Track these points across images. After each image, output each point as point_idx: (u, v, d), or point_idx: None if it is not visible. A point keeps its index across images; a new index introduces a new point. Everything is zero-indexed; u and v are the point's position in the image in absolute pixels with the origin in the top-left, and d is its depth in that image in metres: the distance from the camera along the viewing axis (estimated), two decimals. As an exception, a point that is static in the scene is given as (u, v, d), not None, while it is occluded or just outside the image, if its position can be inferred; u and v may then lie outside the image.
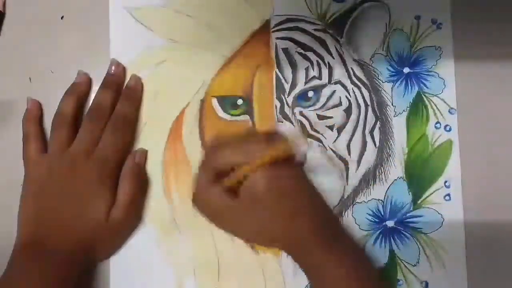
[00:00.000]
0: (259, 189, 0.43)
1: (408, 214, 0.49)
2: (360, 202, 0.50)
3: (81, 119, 0.50)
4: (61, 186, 0.47)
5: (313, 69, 0.51)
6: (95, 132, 0.48)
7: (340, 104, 0.50)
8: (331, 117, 0.50)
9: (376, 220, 0.49)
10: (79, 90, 0.50)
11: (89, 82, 0.51)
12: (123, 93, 0.50)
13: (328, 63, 0.51)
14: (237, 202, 0.44)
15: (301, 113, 0.50)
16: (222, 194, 0.44)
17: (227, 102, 0.51)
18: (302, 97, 0.51)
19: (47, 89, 0.51)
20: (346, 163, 0.50)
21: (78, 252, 0.46)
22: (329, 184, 0.50)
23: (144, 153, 0.50)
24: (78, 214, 0.46)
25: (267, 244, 0.48)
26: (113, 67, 0.50)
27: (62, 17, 0.52)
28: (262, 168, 0.43)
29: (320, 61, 0.51)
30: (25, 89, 0.51)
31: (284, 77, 0.51)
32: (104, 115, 0.49)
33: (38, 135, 0.49)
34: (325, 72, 0.51)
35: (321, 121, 0.50)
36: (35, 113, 0.50)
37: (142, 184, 0.50)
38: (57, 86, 0.50)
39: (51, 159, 0.48)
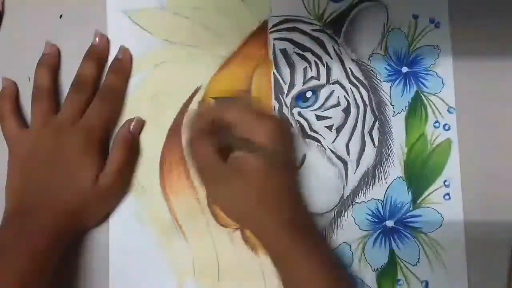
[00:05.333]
0: (247, 167, 0.44)
1: (407, 214, 0.49)
2: (360, 202, 0.49)
3: (58, 90, 0.50)
4: (47, 157, 0.47)
5: (311, 70, 0.51)
6: (79, 102, 0.48)
7: (338, 104, 0.50)
8: (329, 117, 0.50)
9: (376, 220, 0.49)
10: (51, 61, 0.50)
11: (58, 52, 0.51)
12: (111, 65, 0.51)
13: (326, 63, 0.51)
14: (223, 167, 0.45)
15: (299, 114, 0.50)
16: (212, 153, 0.45)
17: (225, 103, 0.51)
18: (301, 97, 0.50)
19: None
20: (345, 163, 0.50)
21: (66, 222, 0.46)
22: (328, 185, 0.50)
23: (141, 123, 0.50)
24: (64, 183, 0.46)
25: (235, 219, 0.48)
26: (96, 38, 0.51)
27: (61, 16, 0.52)
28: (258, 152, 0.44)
29: (318, 61, 0.51)
30: (24, 88, 0.51)
31: (282, 78, 0.51)
32: (88, 85, 0.49)
33: (16, 111, 0.49)
34: (323, 72, 0.51)
35: (319, 121, 0.50)
36: (10, 91, 0.50)
37: (133, 152, 0.50)
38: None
39: (34, 132, 0.48)
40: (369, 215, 0.49)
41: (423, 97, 0.50)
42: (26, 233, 0.45)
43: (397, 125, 0.50)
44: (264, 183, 0.44)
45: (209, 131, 0.45)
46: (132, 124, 0.50)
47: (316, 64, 0.51)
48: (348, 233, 0.49)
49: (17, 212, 0.46)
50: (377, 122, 0.50)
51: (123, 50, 0.51)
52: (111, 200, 0.50)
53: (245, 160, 0.44)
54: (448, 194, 0.49)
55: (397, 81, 0.50)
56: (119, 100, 0.51)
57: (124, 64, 0.51)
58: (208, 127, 0.45)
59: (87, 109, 0.48)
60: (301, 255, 0.43)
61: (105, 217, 0.49)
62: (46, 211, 0.46)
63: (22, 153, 0.47)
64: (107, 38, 0.51)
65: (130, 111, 0.51)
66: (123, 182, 0.50)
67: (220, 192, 0.46)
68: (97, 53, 0.51)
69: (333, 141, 0.50)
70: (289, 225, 0.44)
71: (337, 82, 0.50)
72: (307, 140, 0.50)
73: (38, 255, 0.44)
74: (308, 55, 0.51)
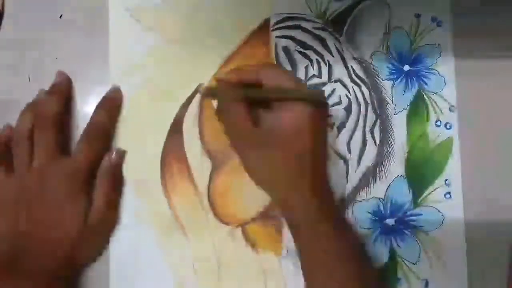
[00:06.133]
0: (282, 128, 0.44)
1: (408, 213, 0.49)
2: (361, 201, 0.50)
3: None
4: (32, 202, 0.46)
5: (313, 68, 0.51)
6: (48, 142, 0.47)
7: (340, 102, 0.50)
8: (331, 116, 0.50)
9: (377, 218, 0.49)
10: (35, 106, 0.49)
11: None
12: (100, 102, 0.50)
13: (328, 61, 0.51)
14: (256, 131, 0.44)
15: (301, 112, 0.50)
16: (246, 116, 0.44)
17: (226, 101, 0.51)
18: (302, 95, 0.50)
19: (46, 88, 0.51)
20: (346, 161, 0.50)
21: (56, 266, 0.46)
22: (329, 183, 0.50)
23: (121, 153, 0.50)
24: (52, 228, 0.46)
25: (264, 184, 0.47)
26: (57, 76, 0.50)
27: (61, 16, 0.52)
28: (294, 109, 0.44)
29: (319, 59, 0.51)
30: (24, 89, 0.51)
31: (284, 76, 0.50)
32: (51, 122, 0.48)
33: (4, 157, 0.48)
34: (324, 70, 0.50)
35: (321, 119, 0.50)
36: (2, 136, 0.49)
37: (118, 184, 0.49)
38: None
39: (18, 179, 0.47)
40: (370, 213, 0.49)
41: (424, 95, 0.50)
42: (16, 281, 0.44)
43: (399, 123, 0.50)
44: (299, 149, 0.44)
45: (241, 94, 0.44)
46: (113, 156, 0.49)
47: (318, 62, 0.51)
48: (349, 231, 0.49)
49: (5, 260, 0.45)
50: (378, 120, 0.50)
51: (115, 89, 0.50)
52: (103, 235, 0.49)
53: (281, 122, 0.44)
54: (449, 193, 0.49)
55: (399, 79, 0.50)
56: (106, 138, 0.50)
57: (113, 102, 0.50)
58: (240, 89, 0.45)
59: (61, 142, 0.48)
60: (327, 223, 0.44)
61: (98, 253, 0.49)
62: (36, 258, 0.45)
63: (7, 198, 0.47)
64: (68, 76, 0.50)
65: (131, 110, 0.51)
66: (112, 215, 0.49)
67: (252, 157, 0.45)
68: (59, 89, 0.50)
69: (335, 139, 0.50)
70: (318, 193, 0.44)
71: (338, 80, 0.50)
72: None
73: None
74: (310, 53, 0.51)
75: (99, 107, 0.50)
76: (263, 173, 0.46)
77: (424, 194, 0.49)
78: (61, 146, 0.48)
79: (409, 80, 0.50)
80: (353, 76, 0.50)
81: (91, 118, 0.49)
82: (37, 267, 0.45)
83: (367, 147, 0.50)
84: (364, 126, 0.50)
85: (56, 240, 0.46)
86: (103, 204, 0.47)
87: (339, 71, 0.50)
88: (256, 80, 0.45)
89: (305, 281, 0.45)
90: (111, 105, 0.50)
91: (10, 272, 0.44)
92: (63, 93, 0.50)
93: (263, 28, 0.51)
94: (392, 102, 0.50)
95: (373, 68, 0.51)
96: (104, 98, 0.50)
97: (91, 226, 0.47)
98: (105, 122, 0.50)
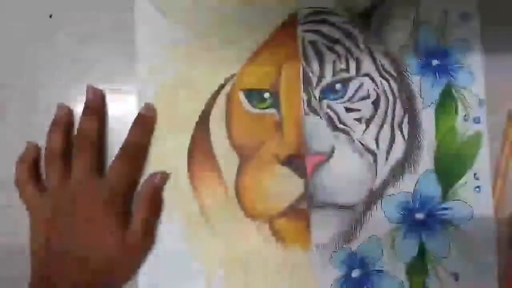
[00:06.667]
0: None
1: (437, 207, 0.49)
2: (389, 195, 0.49)
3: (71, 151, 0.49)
4: (68, 222, 0.46)
5: (341, 62, 0.50)
6: (86, 161, 0.47)
7: (368, 96, 0.50)
8: (359, 110, 0.50)
9: (406, 212, 0.49)
10: (62, 122, 0.49)
11: (70, 112, 0.50)
12: (135, 121, 0.50)
13: (356, 55, 0.50)
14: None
15: (328, 106, 0.50)
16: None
17: (254, 96, 0.50)
18: (330, 90, 0.50)
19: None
20: (374, 155, 0.50)
21: (97, 284, 0.45)
22: (357, 177, 0.49)
23: (165, 176, 0.50)
24: (91, 246, 0.45)
25: None
26: (90, 93, 0.50)
27: (50, 16, 0.51)
28: None
29: (347, 53, 0.50)
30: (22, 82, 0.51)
31: (311, 70, 0.50)
32: (90, 141, 0.48)
33: (35, 176, 0.48)
34: (352, 64, 0.50)
35: (349, 113, 0.50)
36: (30, 155, 0.49)
37: (158, 207, 0.49)
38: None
39: (53, 196, 0.47)
40: (399, 207, 0.49)
41: (453, 90, 0.50)
42: None
43: (427, 118, 0.50)
44: None
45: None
46: (157, 178, 0.49)
47: (346, 57, 0.50)
48: (378, 226, 0.49)
49: (44, 282, 0.45)
50: (406, 114, 0.50)
51: (148, 106, 0.50)
52: (139, 256, 0.49)
53: None
54: (478, 187, 0.49)
55: (427, 74, 0.50)
56: (144, 158, 0.50)
57: (148, 120, 0.50)
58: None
59: (98, 162, 0.48)
60: None
61: (135, 272, 0.49)
62: (75, 278, 0.45)
63: (42, 219, 0.47)
64: (101, 91, 0.50)
65: (158, 104, 0.50)
66: (149, 238, 0.49)
67: None
68: (93, 107, 0.50)
69: (363, 134, 0.50)
70: None
71: (366, 75, 0.50)
72: (336, 132, 0.50)
73: None
74: (338, 47, 0.51)
75: (134, 126, 0.49)
76: None
77: (453, 188, 0.49)
78: (98, 166, 0.48)
79: (437, 74, 0.50)
80: (381, 70, 0.50)
81: (127, 137, 0.49)
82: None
83: (395, 141, 0.50)
84: (393, 121, 0.50)
85: (93, 260, 0.45)
86: (142, 226, 0.47)
87: (367, 65, 0.50)
88: None
89: None
90: (145, 123, 0.50)
91: None
92: (100, 111, 0.50)
93: (291, 22, 0.51)
94: (421, 97, 0.50)
95: (401, 63, 0.50)
96: (138, 116, 0.50)
97: (128, 246, 0.46)
98: (141, 141, 0.49)
